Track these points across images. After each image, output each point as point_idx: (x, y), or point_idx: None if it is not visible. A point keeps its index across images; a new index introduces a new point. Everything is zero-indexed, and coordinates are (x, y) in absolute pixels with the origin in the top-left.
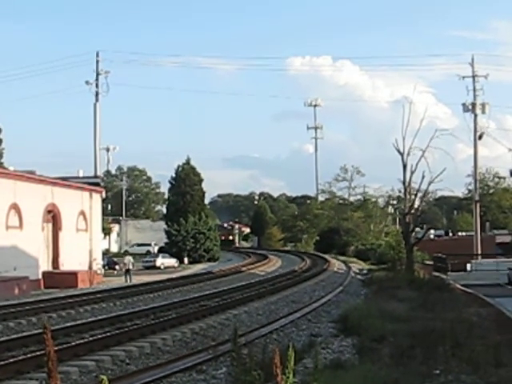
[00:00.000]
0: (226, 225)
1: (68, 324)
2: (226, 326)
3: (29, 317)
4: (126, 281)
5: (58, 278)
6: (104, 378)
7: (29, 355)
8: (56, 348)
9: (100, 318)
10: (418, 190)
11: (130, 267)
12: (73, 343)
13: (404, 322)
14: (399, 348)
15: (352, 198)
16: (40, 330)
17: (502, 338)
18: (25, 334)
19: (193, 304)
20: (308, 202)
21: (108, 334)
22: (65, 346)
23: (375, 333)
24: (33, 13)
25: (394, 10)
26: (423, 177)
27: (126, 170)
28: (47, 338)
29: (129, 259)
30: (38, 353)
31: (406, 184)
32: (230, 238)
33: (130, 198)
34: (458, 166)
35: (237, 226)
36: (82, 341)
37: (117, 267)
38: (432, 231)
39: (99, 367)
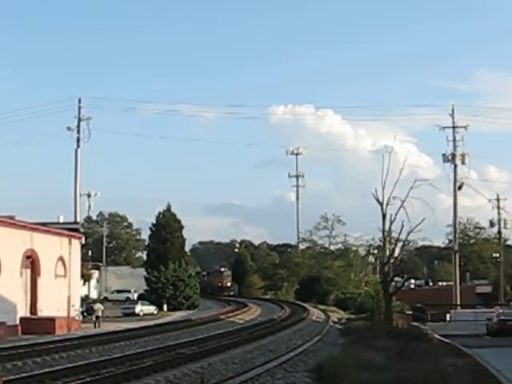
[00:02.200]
0: (222, 269)
1: (42, 371)
2: (200, 374)
3: (3, 363)
4: (95, 327)
5: (35, 323)
6: None
7: None
8: None
9: (75, 364)
10: (398, 240)
11: (99, 314)
12: None
13: (380, 372)
14: None
15: (333, 247)
16: (14, 377)
17: None
18: None
19: (169, 352)
20: (289, 250)
21: (82, 381)
22: None
23: (351, 382)
24: (15, 59)
25: (376, 60)
26: (402, 226)
27: (107, 216)
28: None
29: (98, 306)
30: None
31: (386, 233)
32: (228, 284)
33: (111, 245)
34: (439, 215)
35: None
36: None
37: (94, 314)
38: (412, 281)
39: None
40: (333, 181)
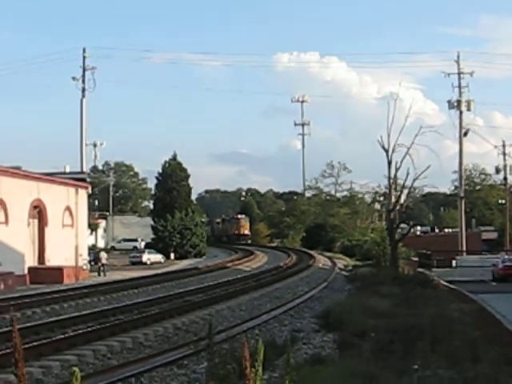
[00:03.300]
0: (239, 216)
1: (51, 319)
2: (208, 321)
3: (13, 312)
4: (100, 275)
5: (43, 273)
6: (76, 369)
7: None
8: (38, 343)
9: (83, 313)
10: (403, 187)
11: (104, 262)
12: (55, 338)
13: (386, 318)
14: (380, 343)
15: (338, 194)
16: (23, 325)
17: (481, 334)
18: (8, 328)
19: (176, 299)
20: (295, 197)
21: (90, 328)
22: (47, 340)
23: (357, 328)
24: (20, 10)
25: (382, 7)
26: (408, 173)
27: (113, 165)
28: (14, 329)
29: (102, 254)
30: None
31: (391, 180)
32: (246, 232)
33: (117, 194)
34: (445, 162)
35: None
36: (63, 335)
37: (99, 263)
38: (418, 227)
39: (81, 361)
40: (338, 128)
